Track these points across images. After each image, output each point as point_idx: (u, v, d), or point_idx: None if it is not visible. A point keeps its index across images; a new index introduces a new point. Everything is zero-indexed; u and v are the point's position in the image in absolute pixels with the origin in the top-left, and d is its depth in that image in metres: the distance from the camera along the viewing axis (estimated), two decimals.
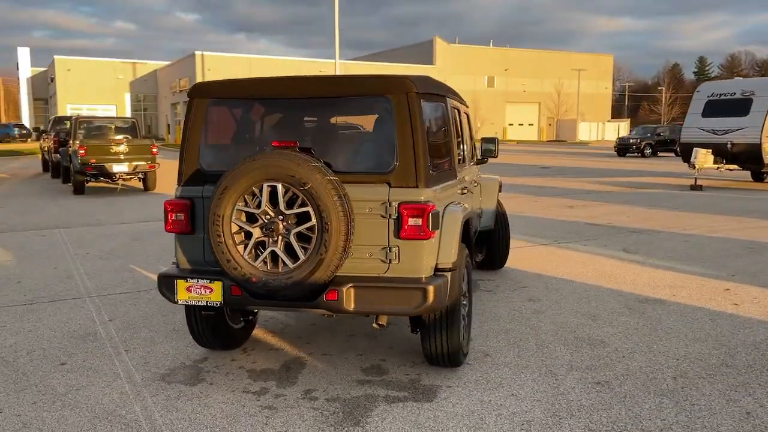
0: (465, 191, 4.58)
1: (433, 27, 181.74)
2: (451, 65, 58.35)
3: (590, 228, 9.75)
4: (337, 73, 34.04)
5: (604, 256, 7.59)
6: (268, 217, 3.42)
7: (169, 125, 52.67)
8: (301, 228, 3.39)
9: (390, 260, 3.54)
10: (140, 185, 15.46)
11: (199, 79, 46.33)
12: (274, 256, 3.46)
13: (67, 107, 53.18)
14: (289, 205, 3.41)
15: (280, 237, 3.43)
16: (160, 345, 4.52)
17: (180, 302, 3.70)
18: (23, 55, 62.07)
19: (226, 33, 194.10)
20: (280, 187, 3.38)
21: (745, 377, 3.94)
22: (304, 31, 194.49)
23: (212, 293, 3.63)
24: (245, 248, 3.47)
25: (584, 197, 13.90)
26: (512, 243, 7.33)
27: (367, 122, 4.07)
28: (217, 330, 4.17)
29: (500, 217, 6.54)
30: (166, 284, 3.72)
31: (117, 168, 14.08)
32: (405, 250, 3.53)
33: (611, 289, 6.04)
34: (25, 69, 61.92)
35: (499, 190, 6.63)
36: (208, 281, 3.61)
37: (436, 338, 3.83)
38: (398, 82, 3.57)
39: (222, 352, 4.36)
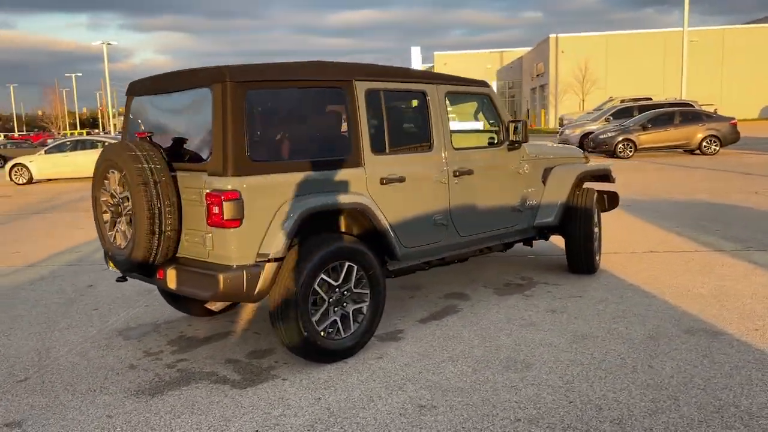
0: (389, 180, 4.28)
1: None
2: None
3: None
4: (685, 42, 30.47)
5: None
6: (114, 200, 3.95)
7: (528, 110, 53.82)
8: (125, 211, 3.83)
9: (208, 246, 3.72)
10: None
11: (552, 64, 46.37)
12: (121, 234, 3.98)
13: None
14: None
15: (122, 219, 3.92)
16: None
17: (109, 269, 4.47)
18: (415, 53, 70.42)
19: (632, 9, 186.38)
20: (116, 174, 3.88)
21: None
22: None
23: (109, 263, 4.33)
24: (107, 227, 4.07)
25: None
26: (662, 241, 6.19)
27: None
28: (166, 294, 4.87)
29: (575, 214, 5.64)
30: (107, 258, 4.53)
31: None
32: (216, 237, 3.67)
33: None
34: (417, 66, 70.19)
35: (580, 183, 5.74)
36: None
37: (279, 327, 3.83)
38: (216, 73, 3.68)
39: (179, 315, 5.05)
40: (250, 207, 3.64)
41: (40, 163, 19.59)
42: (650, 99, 27.84)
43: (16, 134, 67.89)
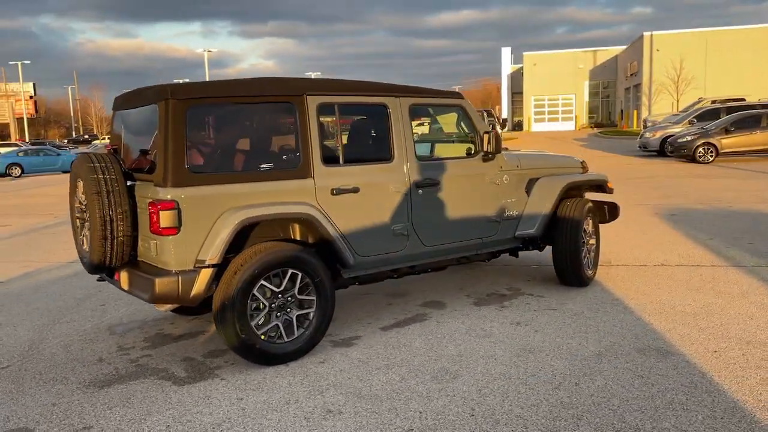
0: (341, 191, 4.41)
1: None
2: None
3: None
4: None
5: None
6: (81, 207, 4.32)
7: (621, 111, 51.78)
8: (87, 217, 4.18)
9: (152, 251, 4.00)
10: None
11: (646, 63, 44.39)
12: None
13: (531, 99, 57.84)
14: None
15: (86, 224, 4.28)
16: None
17: None
18: (505, 54, 69.51)
19: (753, 2, 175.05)
20: (80, 183, 4.24)
21: None
22: None
23: None
24: (77, 231, 4.46)
25: None
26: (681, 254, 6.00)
27: None
28: None
29: (562, 225, 5.56)
30: None
31: None
32: (158, 244, 3.95)
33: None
34: (507, 67, 69.22)
35: (571, 193, 5.65)
36: None
37: (219, 329, 4.07)
38: (161, 91, 3.95)
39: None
40: (187, 216, 3.89)
41: None
42: (743, 100, 26.12)
43: None
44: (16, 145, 40.41)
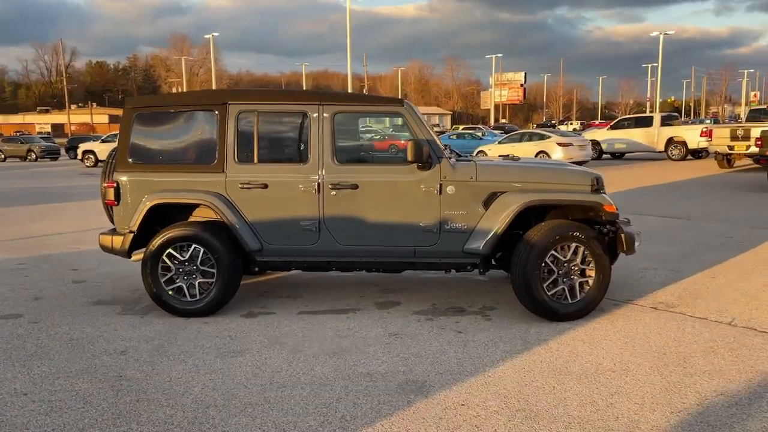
0: (250, 185, 5.21)
1: None
2: None
3: None
4: None
5: None
6: None
7: None
8: None
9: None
10: None
11: None
12: None
13: None
14: None
15: None
16: None
17: None
18: None
19: None
20: None
21: None
22: None
23: None
24: None
25: None
26: None
27: None
28: None
29: (519, 248, 5.04)
30: None
31: None
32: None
33: None
34: None
35: (518, 212, 5.04)
36: None
37: (143, 281, 5.44)
38: (127, 101, 5.46)
39: None
40: (123, 193, 5.36)
41: (495, 152, 22.85)
42: None
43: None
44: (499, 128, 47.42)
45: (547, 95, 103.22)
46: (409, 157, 5.02)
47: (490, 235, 5.08)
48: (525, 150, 21.54)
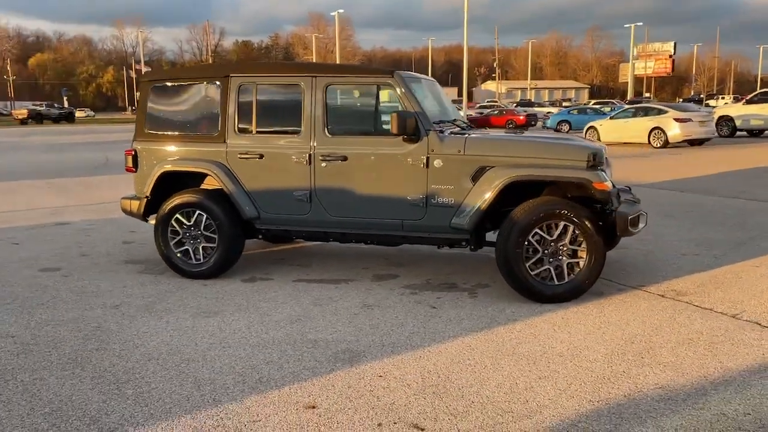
0: (248, 155, 5.42)
1: None
2: None
3: None
4: None
5: None
6: None
7: None
8: None
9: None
10: None
11: None
12: None
13: None
14: None
15: None
16: None
17: None
18: None
19: None
20: None
21: None
22: None
23: None
24: None
25: None
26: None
27: None
28: None
29: (503, 225, 4.87)
30: None
31: None
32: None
33: None
34: None
35: (503, 187, 4.84)
36: None
37: (155, 242, 5.86)
38: (144, 75, 5.84)
39: None
40: (140, 161, 5.78)
41: (606, 127, 21.65)
42: None
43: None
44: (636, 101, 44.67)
45: (697, 67, 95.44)
46: (393, 129, 4.97)
47: (473, 211, 4.94)
48: (638, 126, 20.26)
